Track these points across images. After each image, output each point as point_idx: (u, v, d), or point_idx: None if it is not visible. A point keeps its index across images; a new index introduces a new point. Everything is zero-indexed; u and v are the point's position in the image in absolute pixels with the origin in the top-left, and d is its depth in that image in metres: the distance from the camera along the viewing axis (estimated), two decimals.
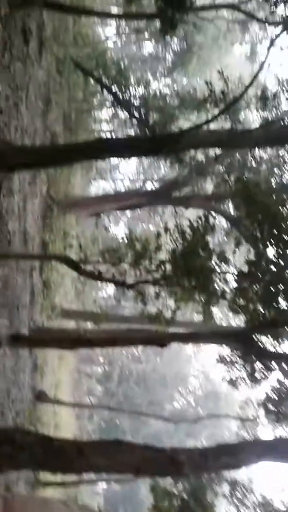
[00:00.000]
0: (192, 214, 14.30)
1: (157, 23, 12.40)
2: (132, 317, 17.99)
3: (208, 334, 10.01)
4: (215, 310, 9.14)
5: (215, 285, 8.37)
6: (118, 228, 33.26)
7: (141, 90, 19.18)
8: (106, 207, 18.12)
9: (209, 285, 8.36)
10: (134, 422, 31.47)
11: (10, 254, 8.85)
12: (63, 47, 15.00)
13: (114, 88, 17.43)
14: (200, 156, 15.00)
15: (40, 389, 13.26)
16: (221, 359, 8.80)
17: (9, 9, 7.94)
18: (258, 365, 8.33)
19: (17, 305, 9.71)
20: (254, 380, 8.46)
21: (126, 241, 10.86)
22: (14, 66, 8.81)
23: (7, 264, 8.61)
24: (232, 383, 8.99)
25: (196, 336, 10.52)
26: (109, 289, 26.72)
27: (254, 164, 13.56)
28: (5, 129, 8.22)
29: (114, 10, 22.13)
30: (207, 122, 10.20)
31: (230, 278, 8.41)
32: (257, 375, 8.38)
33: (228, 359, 8.67)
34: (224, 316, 16.81)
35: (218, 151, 14.10)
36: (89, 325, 17.50)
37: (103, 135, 26.72)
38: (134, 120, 17.25)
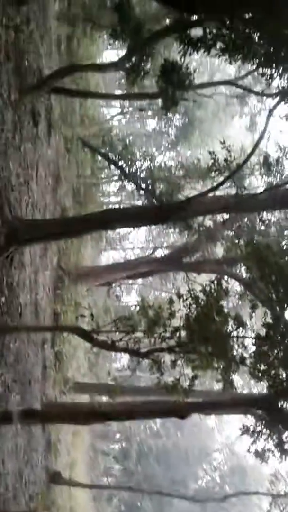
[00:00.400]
0: (204, 279, 14.27)
1: (159, 101, 13.16)
2: (148, 388, 17.41)
3: (229, 403, 9.55)
4: (235, 377, 8.76)
5: (233, 350, 8.12)
6: (130, 296, 33.16)
7: (146, 163, 19.98)
8: (117, 276, 18.17)
9: (227, 351, 8.12)
10: (156, 503, 29.35)
11: (22, 327, 8.76)
12: (71, 128, 15.83)
13: (121, 162, 18.19)
14: (208, 221, 15.23)
15: (55, 470, 12.56)
16: (245, 430, 8.23)
17: (19, 94, 8.49)
18: (286, 434, 7.81)
19: (29, 380, 9.46)
20: (283, 451, 7.88)
21: (138, 308, 10.75)
22: (25, 147, 9.26)
23: (18, 337, 8.50)
24: (259, 455, 8.36)
25: (217, 405, 10.05)
26: (123, 359, 26.14)
27: (262, 227, 13.68)
28: (16, 205, 8.46)
29: (118, 91, 23.58)
30: (213, 189, 10.47)
31: (248, 342, 8.17)
32: (285, 445, 7.83)
33: (252, 430, 8.12)
34: (245, 383, 16.18)
35: (226, 215, 14.33)
36: (104, 398, 16.91)
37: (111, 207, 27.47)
38: (141, 192, 17.82)
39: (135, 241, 35.19)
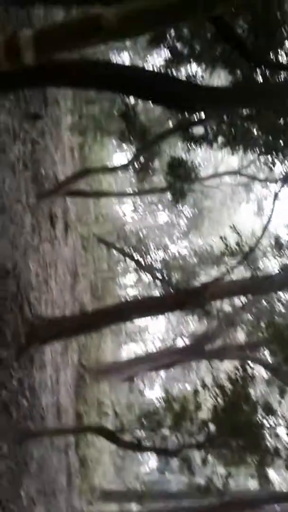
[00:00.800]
0: (228, 366, 13.77)
1: (169, 195, 13.77)
2: (179, 492, 16.13)
3: (267, 499, 8.72)
4: (271, 471, 8.10)
5: (266, 442, 7.60)
6: (153, 390, 31.90)
7: (160, 254, 20.41)
8: (139, 369, 17.67)
9: (259, 442, 7.59)
10: None
11: (45, 431, 8.38)
12: (87, 226, 16.46)
13: (136, 255, 18.60)
14: (226, 306, 15.08)
15: None
16: None
17: (37, 199, 8.97)
18: None
19: (53, 490, 8.82)
20: None
21: (163, 403, 10.30)
22: (43, 247, 9.59)
23: (41, 443, 8.09)
24: None
25: (255, 503, 9.17)
26: (152, 461, 24.48)
27: (281, 308, 13.47)
28: (36, 304, 8.54)
29: (129, 189, 24.77)
30: (228, 272, 10.53)
31: (282, 432, 7.67)
32: None
33: None
34: (282, 478, 14.81)
35: (244, 299, 14.20)
36: (133, 506, 15.60)
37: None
38: (158, 282, 17.96)
39: (155, 332, 34.69)
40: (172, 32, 9.79)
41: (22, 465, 6.96)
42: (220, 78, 12.01)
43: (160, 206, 31.30)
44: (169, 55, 10.83)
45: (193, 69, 11.08)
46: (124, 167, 12.25)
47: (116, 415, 10.79)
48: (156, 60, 20.91)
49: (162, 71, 10.52)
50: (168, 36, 9.99)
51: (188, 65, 11.02)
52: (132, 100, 11.78)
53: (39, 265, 9.17)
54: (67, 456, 10.67)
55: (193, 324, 25.78)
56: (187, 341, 23.33)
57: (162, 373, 28.68)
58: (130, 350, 32.46)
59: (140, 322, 30.07)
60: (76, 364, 12.77)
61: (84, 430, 11.55)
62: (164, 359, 18.02)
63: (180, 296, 10.52)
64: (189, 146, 10.65)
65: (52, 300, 9.94)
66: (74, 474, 11.18)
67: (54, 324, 8.80)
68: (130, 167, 12.44)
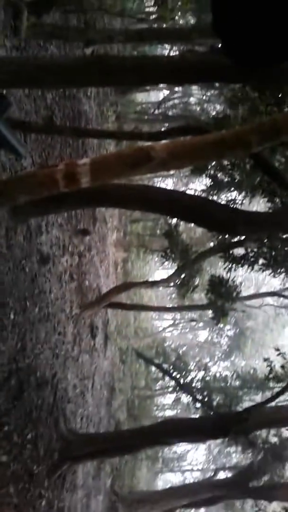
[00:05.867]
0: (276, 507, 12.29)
1: (210, 312, 13.77)
2: None
3: None
4: None
5: None
6: None
7: (201, 373, 19.74)
8: (177, 503, 16.08)
9: None
10: None
11: None
12: (126, 339, 16.43)
13: (175, 373, 18.08)
14: (273, 438, 14.00)
15: None
16: None
17: (80, 309, 9.22)
18: None
19: None
20: None
21: None
22: (82, 358, 9.58)
23: None
24: None
25: None
26: None
27: None
28: (71, 418, 8.30)
29: (169, 305, 25.01)
30: (273, 398, 9.94)
31: None
32: None
33: None
34: None
35: None
36: None
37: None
38: (197, 403, 17.11)
39: (194, 462, 32.02)
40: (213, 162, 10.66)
41: None
42: (259, 204, 12.67)
43: (200, 324, 31.04)
44: (210, 182, 11.69)
45: (233, 194, 11.81)
46: (165, 282, 12.53)
47: None
48: (197, 185, 22.51)
49: (204, 196, 11.27)
50: (209, 166, 10.87)
51: (228, 192, 11.78)
52: (174, 220, 12.50)
53: (77, 376, 9.09)
54: None
55: (236, 456, 23.79)
56: (229, 475, 21.34)
57: (201, 511, 25.88)
58: (166, 480, 29.87)
59: (178, 449, 28.08)
60: (109, 490, 11.83)
61: None
62: (204, 493, 16.42)
63: (222, 421, 9.92)
64: (230, 266, 10.89)
65: (87, 415, 9.62)
66: None
67: (88, 441, 8.43)
68: (171, 283, 12.73)
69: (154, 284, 13.21)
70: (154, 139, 5.81)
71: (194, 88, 20.72)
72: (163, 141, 3.94)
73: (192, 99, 22.30)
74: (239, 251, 10.89)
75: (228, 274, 11.77)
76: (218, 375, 19.94)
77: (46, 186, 4.05)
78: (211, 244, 15.57)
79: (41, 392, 6.79)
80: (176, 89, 22.43)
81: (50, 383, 7.21)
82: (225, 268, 11.24)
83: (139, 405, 19.04)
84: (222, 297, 11.57)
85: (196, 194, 12.40)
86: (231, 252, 10.89)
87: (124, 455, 12.60)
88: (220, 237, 11.37)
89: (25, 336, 6.28)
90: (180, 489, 19.51)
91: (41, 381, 6.81)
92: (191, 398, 18.28)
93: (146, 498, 16.11)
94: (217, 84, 13.78)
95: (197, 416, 17.16)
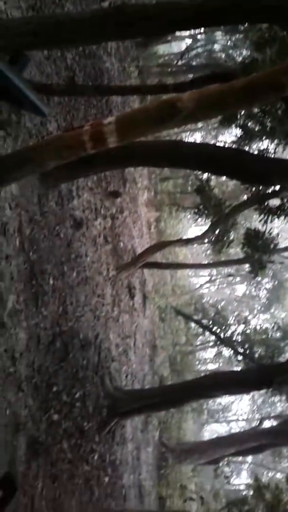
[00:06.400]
0: None
1: (247, 266, 13.60)
2: None
3: None
4: None
5: None
6: (240, 477, 29.47)
7: (240, 327, 19.78)
8: (224, 452, 16.56)
9: None
10: None
11: None
12: (164, 298, 16.57)
13: (215, 328, 18.20)
14: None
15: None
16: None
17: (116, 271, 9.31)
18: None
19: None
20: None
21: (253, 491, 9.49)
22: (122, 318, 9.76)
23: None
24: None
25: None
26: None
27: None
28: (116, 376, 8.54)
29: (205, 261, 24.92)
30: None
31: None
32: None
33: None
34: None
35: None
36: None
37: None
38: (239, 356, 17.25)
39: (239, 412, 32.72)
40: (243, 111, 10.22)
41: None
42: None
43: (238, 278, 30.88)
44: (241, 132, 11.25)
45: (265, 143, 11.36)
46: (200, 239, 12.41)
47: (201, 501, 10.08)
48: (227, 137, 21.80)
49: (235, 147, 10.89)
50: (239, 115, 10.44)
51: (260, 141, 11.32)
52: (205, 175, 12.21)
53: (119, 336, 9.29)
54: None
55: (281, 405, 24.07)
56: (275, 423, 21.68)
57: (249, 458, 26.62)
58: (212, 431, 30.75)
59: (223, 400, 28.65)
60: (157, 443, 12.28)
61: None
62: (251, 442, 16.80)
63: (265, 373, 9.96)
64: (265, 218, 10.62)
65: (132, 372, 9.88)
66: None
67: (134, 397, 8.68)
68: (206, 239, 12.58)
69: (189, 241, 13.11)
70: (180, 90, 5.59)
71: (218, 34, 19.70)
72: (189, 92, 3.76)
73: (216, 46, 21.25)
74: (275, 202, 10.59)
75: (264, 226, 11.51)
76: (258, 327, 19.96)
77: (73, 149, 3.98)
78: (245, 197, 15.20)
79: (85, 353, 6.98)
80: (199, 37, 21.41)
81: (93, 344, 7.40)
82: (260, 221, 10.99)
83: (181, 361, 19.40)
84: (259, 250, 11.37)
85: (227, 146, 12.00)
86: (266, 203, 10.60)
87: (170, 409, 12.94)
88: (254, 189, 11.07)
89: (66, 300, 6.41)
90: (226, 439, 20.01)
91: (84, 343, 6.99)
92: (232, 351, 18.45)
93: (194, 448, 16.64)
94: (242, 28, 13.05)
95: (239, 368, 17.35)
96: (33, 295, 5.32)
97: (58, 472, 5.40)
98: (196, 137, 25.48)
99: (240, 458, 24.67)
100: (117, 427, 8.10)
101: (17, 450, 4.48)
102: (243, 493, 16.14)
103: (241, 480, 28.42)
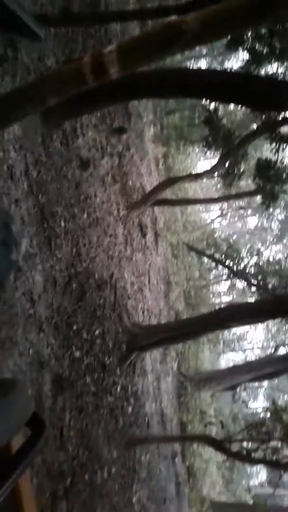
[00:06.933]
0: None
1: (258, 198, 13.39)
2: None
3: None
4: None
5: None
6: (257, 401, 30.85)
7: (254, 259, 19.84)
8: (241, 379, 17.20)
9: None
10: None
11: (151, 439, 8.46)
12: (176, 235, 16.56)
13: (228, 261, 18.28)
14: None
15: None
16: None
17: (127, 210, 9.24)
18: None
19: (164, 498, 8.84)
20: None
21: (270, 413, 9.88)
22: (136, 257, 9.82)
23: (148, 450, 8.17)
24: None
25: None
26: (262, 473, 23.59)
27: None
28: (133, 312, 8.73)
29: (215, 196, 24.60)
30: None
31: None
32: None
33: None
34: None
35: None
36: None
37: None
38: (253, 288, 17.44)
39: (254, 341, 33.65)
40: (250, 33, 9.62)
41: (132, 471, 7.08)
42: None
43: (249, 211, 30.59)
44: (249, 56, 10.63)
45: (275, 66, 10.77)
46: (210, 173, 12.13)
47: (221, 424, 10.60)
48: (234, 63, 20.72)
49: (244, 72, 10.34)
50: (245, 37, 9.83)
51: (269, 64, 10.72)
52: (213, 105, 11.72)
53: (133, 274, 9.40)
54: (175, 465, 10.66)
55: None
56: None
57: (265, 384, 27.67)
58: (229, 359, 31.81)
59: (238, 330, 29.38)
60: (176, 373, 12.78)
61: (192, 439, 11.46)
62: (267, 368, 17.37)
63: (280, 302, 10.09)
64: (277, 146, 10.28)
65: (148, 308, 10.09)
66: (182, 484, 11.12)
67: (151, 331, 8.92)
68: (216, 172, 12.30)
69: (198, 176, 12.85)
70: (183, 12, 5.22)
71: None
72: (194, 13, 3.50)
73: None
74: (286, 129, 10.21)
75: (276, 156, 11.19)
76: (271, 259, 20.01)
77: (74, 83, 3.79)
78: (255, 126, 14.66)
79: (101, 292, 7.10)
80: None
81: (108, 283, 7.51)
82: (272, 150, 10.66)
83: (196, 295, 19.72)
84: (271, 181, 11.12)
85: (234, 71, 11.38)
86: (277, 131, 10.22)
87: (187, 341, 13.35)
88: (264, 116, 10.64)
89: (79, 242, 6.43)
90: (243, 366, 20.70)
91: (100, 282, 7.09)
92: (246, 283, 18.66)
93: (212, 376, 17.29)
94: None
95: (253, 300, 17.61)
96: (45, 238, 5.33)
97: (83, 405, 5.68)
98: (201, 65, 24.28)
99: (257, 384, 25.67)
100: (137, 360, 8.40)
101: (43, 386, 4.68)
102: (261, 416, 16.91)
103: (258, 404, 29.76)
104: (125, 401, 7.34)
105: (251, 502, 16.43)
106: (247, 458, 8.58)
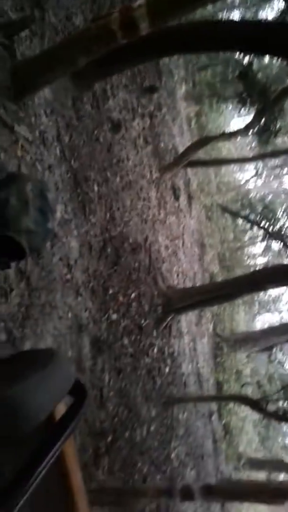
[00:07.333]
0: None
1: None
2: None
3: None
4: None
5: None
6: None
7: None
8: (277, 340, 17.18)
9: None
10: None
11: (188, 398, 8.64)
12: (209, 196, 16.28)
13: (263, 222, 17.90)
14: None
15: None
16: None
17: (160, 173, 9.10)
18: None
19: (201, 454, 9.11)
20: None
21: None
22: (169, 220, 9.74)
23: (186, 408, 8.37)
24: None
25: None
26: None
27: None
28: (168, 276, 8.75)
29: (249, 154, 23.88)
30: None
31: None
32: None
33: None
34: None
35: None
36: (282, 476, 15.43)
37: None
38: None
39: None
40: None
41: (170, 429, 7.29)
42: None
43: (286, 170, 29.59)
44: (284, 5, 10.00)
45: None
46: (245, 131, 11.72)
47: (258, 385, 10.68)
48: (268, 13, 19.58)
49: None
50: None
51: None
52: (247, 59, 11.19)
53: (167, 237, 9.35)
54: (211, 422, 10.90)
55: None
56: None
57: None
58: (264, 321, 31.74)
59: (273, 292, 29.09)
60: (212, 334, 12.88)
61: (228, 399, 11.66)
62: None
63: None
64: None
65: (182, 271, 10.09)
66: (219, 441, 11.40)
67: (187, 294, 8.95)
68: (250, 130, 11.87)
69: (233, 135, 12.44)
70: None
71: None
72: None
73: None
74: None
75: None
76: None
77: (103, 40, 3.68)
78: None
79: (136, 256, 7.12)
80: None
81: (143, 247, 7.51)
82: None
83: (231, 257, 19.54)
84: None
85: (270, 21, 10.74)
86: None
87: (222, 303, 13.34)
88: None
89: (112, 206, 6.41)
90: (279, 327, 20.61)
91: (134, 246, 7.10)
92: (282, 244, 18.30)
93: (248, 337, 17.32)
94: None
95: None
96: (80, 204, 5.33)
97: (122, 366, 5.82)
98: (234, 16, 23.06)
99: None
100: (173, 322, 8.49)
101: (83, 349, 4.80)
102: None
103: None
104: (162, 362, 7.47)
105: (287, 459, 16.73)
106: (284, 417, 8.67)
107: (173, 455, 7.19)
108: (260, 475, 16.16)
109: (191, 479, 7.82)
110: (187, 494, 4.72)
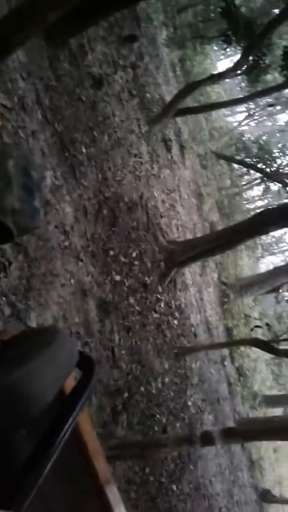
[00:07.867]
0: None
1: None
2: None
3: None
4: None
5: None
6: None
7: (287, 158, 19.00)
8: (282, 280, 17.32)
9: None
10: None
11: (199, 347, 8.82)
12: (202, 144, 15.95)
13: (260, 164, 17.62)
14: None
15: (264, 488, 12.10)
16: None
17: (148, 125, 8.86)
18: None
19: (217, 398, 9.41)
20: None
21: None
22: (163, 173, 9.58)
23: (198, 357, 8.56)
24: None
25: None
26: None
27: None
28: (168, 230, 8.71)
29: (240, 94, 23.18)
30: None
31: None
32: None
33: None
34: None
35: None
36: None
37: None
38: None
39: None
40: None
41: (184, 378, 7.48)
42: None
43: (278, 107, 28.82)
44: None
45: None
46: (233, 70, 11.28)
47: (268, 326, 10.85)
48: None
49: None
50: None
51: None
52: None
53: (163, 191, 9.24)
54: (224, 367, 11.19)
55: None
56: None
57: None
58: (268, 263, 31.95)
59: (275, 233, 29.10)
60: (217, 282, 12.98)
61: (239, 343, 11.89)
62: None
63: None
64: None
65: (182, 223, 10.04)
66: (234, 383, 11.74)
67: (188, 246, 8.93)
68: (239, 70, 11.43)
69: (221, 76, 12.00)
70: None
71: None
72: None
73: None
74: None
75: None
76: None
77: None
78: (277, 11, 13.29)
79: (133, 214, 7.06)
80: None
81: (139, 204, 7.43)
82: None
83: (229, 204, 19.40)
84: None
85: None
86: None
87: (224, 251, 13.34)
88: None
89: (103, 167, 6.29)
90: (284, 267, 20.71)
91: (130, 205, 7.02)
92: (281, 184, 18.09)
93: (253, 281, 17.44)
94: None
95: None
96: (69, 168, 5.23)
97: (130, 324, 5.90)
98: None
99: None
100: (177, 276, 8.53)
101: (90, 312, 4.85)
102: None
103: None
104: (170, 315, 7.57)
105: None
106: None
107: (190, 403, 7.43)
108: (277, 411, 16.78)
109: (210, 423, 8.11)
110: (207, 440, 4.89)
